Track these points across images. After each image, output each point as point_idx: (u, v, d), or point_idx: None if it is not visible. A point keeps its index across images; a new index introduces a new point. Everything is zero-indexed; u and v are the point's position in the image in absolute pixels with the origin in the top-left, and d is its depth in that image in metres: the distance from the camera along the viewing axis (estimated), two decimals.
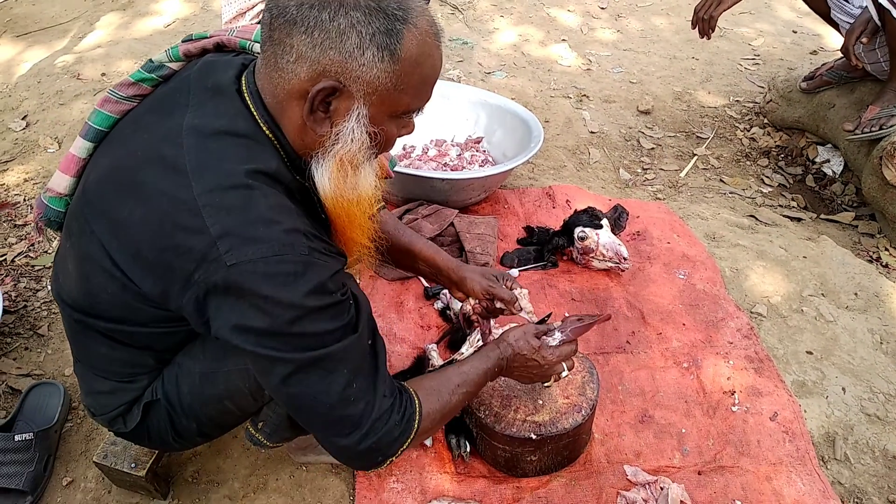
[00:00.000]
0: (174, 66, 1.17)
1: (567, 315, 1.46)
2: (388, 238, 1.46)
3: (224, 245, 0.93)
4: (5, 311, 1.86)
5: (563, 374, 1.39)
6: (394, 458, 1.13)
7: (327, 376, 1.02)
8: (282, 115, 1.03)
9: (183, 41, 1.18)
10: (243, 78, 1.06)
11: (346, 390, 1.03)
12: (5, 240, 2.25)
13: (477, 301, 1.55)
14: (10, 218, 2.35)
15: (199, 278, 0.95)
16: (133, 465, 1.42)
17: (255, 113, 1.03)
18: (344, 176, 1.05)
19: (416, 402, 1.16)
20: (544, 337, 1.37)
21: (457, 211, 2.26)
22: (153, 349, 1.21)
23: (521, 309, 1.55)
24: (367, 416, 1.06)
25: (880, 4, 2.18)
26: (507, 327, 1.49)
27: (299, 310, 0.95)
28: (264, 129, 1.03)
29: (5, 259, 2.17)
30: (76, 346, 1.24)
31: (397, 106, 1.02)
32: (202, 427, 1.28)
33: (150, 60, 1.17)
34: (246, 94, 1.04)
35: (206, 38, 1.19)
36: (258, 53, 1.14)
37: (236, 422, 1.32)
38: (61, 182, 1.20)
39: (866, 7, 2.34)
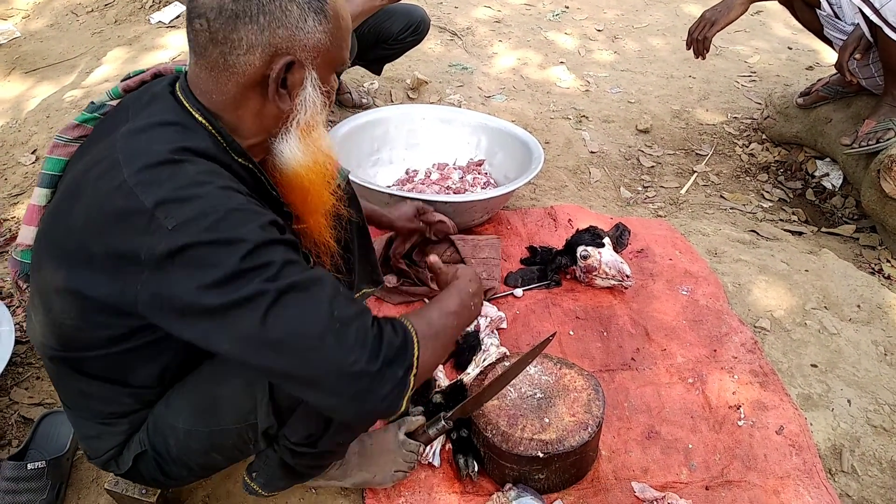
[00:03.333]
0: (115, 104, 1.20)
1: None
2: None
3: (161, 212, 0.92)
4: (17, 342, 1.89)
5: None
6: (409, 389, 1.01)
7: (307, 301, 0.95)
8: (234, 111, 1.07)
9: (122, 80, 1.22)
10: (177, 84, 1.10)
11: (334, 311, 0.96)
12: None
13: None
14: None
15: (147, 256, 0.93)
16: (143, 491, 1.43)
17: (187, 105, 1.06)
18: (308, 141, 1.11)
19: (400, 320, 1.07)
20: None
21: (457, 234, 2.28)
22: (128, 384, 1.17)
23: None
24: (363, 333, 0.97)
25: (872, 22, 2.22)
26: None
27: (251, 244, 0.92)
28: (197, 116, 1.06)
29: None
30: (58, 388, 1.25)
31: (336, 61, 1.11)
32: (193, 473, 1.29)
33: (93, 102, 1.21)
34: (179, 93, 1.07)
35: (143, 72, 1.23)
36: None
37: (228, 465, 1.33)
38: (28, 234, 1.22)
39: (858, 24, 2.38)
